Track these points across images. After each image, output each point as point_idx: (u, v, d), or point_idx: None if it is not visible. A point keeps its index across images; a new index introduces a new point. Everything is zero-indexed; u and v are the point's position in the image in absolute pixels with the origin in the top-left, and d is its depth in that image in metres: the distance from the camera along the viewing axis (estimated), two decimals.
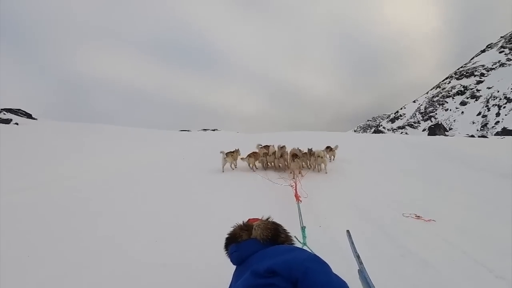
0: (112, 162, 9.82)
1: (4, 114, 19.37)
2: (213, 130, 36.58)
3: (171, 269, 3.20)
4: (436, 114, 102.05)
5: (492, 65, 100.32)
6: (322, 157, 7.28)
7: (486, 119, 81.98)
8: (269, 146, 8.66)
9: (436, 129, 61.39)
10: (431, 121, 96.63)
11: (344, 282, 1.24)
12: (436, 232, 3.71)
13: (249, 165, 8.15)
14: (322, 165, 7.44)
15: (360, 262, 2.22)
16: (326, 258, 1.36)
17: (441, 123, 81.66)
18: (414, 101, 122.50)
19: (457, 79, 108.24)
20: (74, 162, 9.29)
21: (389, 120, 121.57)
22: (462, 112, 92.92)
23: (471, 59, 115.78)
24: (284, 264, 1.26)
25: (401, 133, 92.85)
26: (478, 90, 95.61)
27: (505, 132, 62.55)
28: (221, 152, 8.18)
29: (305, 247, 2.53)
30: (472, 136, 40.15)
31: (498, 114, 79.85)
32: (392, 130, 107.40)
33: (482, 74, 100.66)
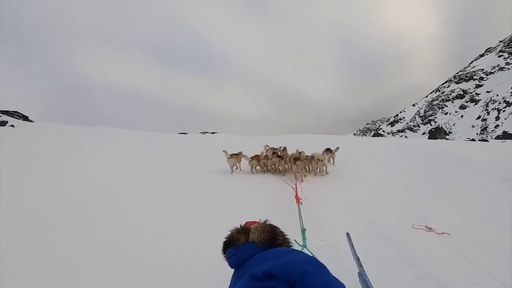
0: (110, 164, 9.79)
1: (0, 116, 19.26)
2: (212, 133, 36.62)
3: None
4: (435, 117, 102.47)
5: (491, 69, 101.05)
6: (322, 160, 7.31)
7: (485, 122, 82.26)
8: (276, 148, 8.56)
9: (437, 133, 61.50)
10: (431, 125, 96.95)
11: (342, 283, 1.23)
12: (453, 248, 3.29)
13: (251, 168, 8.15)
14: (323, 168, 7.48)
15: (360, 265, 2.20)
16: (325, 260, 1.35)
17: (441, 126, 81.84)
18: (413, 105, 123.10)
19: (457, 83, 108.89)
20: (72, 163, 9.24)
21: (389, 124, 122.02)
22: (462, 116, 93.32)
23: (470, 63, 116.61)
24: (282, 266, 1.25)
25: (401, 136, 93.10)
26: (477, 94, 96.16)
27: (506, 135, 62.69)
28: (224, 151, 8.17)
29: (305, 250, 2.52)
30: (473, 139, 40.19)
31: (497, 118, 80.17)
32: (392, 133, 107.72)
33: (481, 78, 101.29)
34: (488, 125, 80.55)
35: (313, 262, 1.31)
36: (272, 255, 1.46)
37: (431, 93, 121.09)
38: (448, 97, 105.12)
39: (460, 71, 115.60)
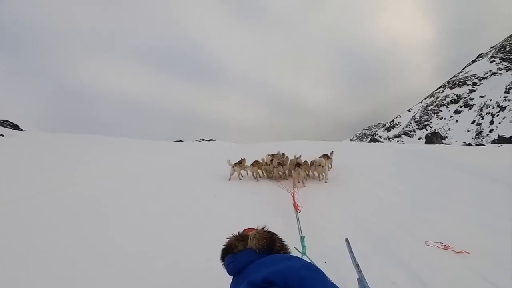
0: (96, 174, 9.56)
1: None
2: (209, 140, 36.56)
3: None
4: (431, 122, 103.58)
5: (484, 74, 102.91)
6: (322, 166, 7.21)
7: (480, 127, 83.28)
8: (276, 154, 8.51)
9: (433, 138, 61.91)
10: (426, 130, 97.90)
11: None
12: (478, 273, 2.78)
13: (252, 174, 8.10)
14: (323, 174, 7.34)
15: (359, 271, 2.19)
16: (325, 267, 1.35)
17: (438, 131, 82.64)
18: (409, 110, 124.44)
19: (450, 88, 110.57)
20: (59, 174, 9.06)
21: (385, 129, 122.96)
22: (457, 121, 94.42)
23: (463, 69, 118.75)
24: (280, 273, 1.25)
25: (397, 141, 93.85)
26: (471, 99, 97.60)
27: (501, 140, 63.35)
28: (227, 161, 8.17)
29: (304, 257, 2.49)
30: (470, 144, 40.46)
31: (492, 122, 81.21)
32: (388, 138, 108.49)
33: (474, 83, 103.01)
34: (483, 129, 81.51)
35: (311, 268, 1.31)
36: (270, 261, 1.45)
37: (425, 98, 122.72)
38: (443, 102, 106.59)
39: (454, 76, 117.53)
